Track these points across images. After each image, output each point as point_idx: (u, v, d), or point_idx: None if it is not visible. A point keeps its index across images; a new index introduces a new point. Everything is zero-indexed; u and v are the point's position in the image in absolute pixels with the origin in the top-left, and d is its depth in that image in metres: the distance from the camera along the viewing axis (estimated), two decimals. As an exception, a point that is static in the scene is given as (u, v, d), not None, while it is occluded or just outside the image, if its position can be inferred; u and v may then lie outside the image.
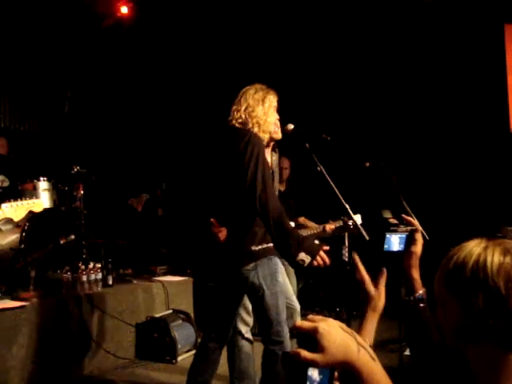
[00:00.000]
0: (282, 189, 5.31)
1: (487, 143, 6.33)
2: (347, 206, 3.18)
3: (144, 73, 7.87)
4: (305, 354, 1.04)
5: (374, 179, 4.87)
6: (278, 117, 3.30)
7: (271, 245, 3.06)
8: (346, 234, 4.45)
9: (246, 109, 3.14)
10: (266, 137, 3.16)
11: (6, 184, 5.81)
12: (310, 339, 1.05)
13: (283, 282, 3.22)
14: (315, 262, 2.87)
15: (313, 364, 1.04)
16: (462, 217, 6.08)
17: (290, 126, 3.40)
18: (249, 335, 3.64)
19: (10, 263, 4.85)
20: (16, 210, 3.23)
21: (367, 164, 4.55)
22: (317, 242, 2.96)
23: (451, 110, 6.55)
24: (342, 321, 1.48)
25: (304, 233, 5.04)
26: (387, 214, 4.16)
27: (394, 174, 4.28)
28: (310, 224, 5.36)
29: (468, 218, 5.99)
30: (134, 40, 7.64)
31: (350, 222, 3.92)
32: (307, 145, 3.30)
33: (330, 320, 1.09)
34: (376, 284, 1.63)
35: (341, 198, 3.13)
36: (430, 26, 6.49)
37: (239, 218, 3.10)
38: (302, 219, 5.42)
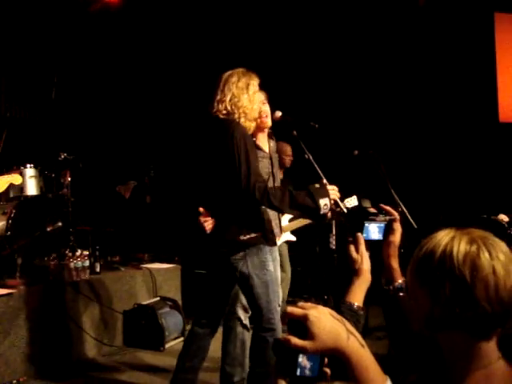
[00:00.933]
0: (281, 176, 5.30)
1: (476, 132, 6.36)
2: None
3: (131, 58, 7.80)
4: (295, 340, 1.05)
5: (362, 167, 4.88)
6: (262, 98, 3.29)
7: (259, 234, 3.07)
8: (334, 221, 4.46)
9: (230, 99, 3.10)
10: (252, 125, 3.15)
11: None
12: (301, 326, 1.06)
13: (274, 271, 3.22)
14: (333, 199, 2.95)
15: (303, 351, 1.05)
16: (449, 204, 6.12)
17: (278, 114, 3.40)
18: (247, 322, 3.65)
19: (-4, 251, 4.81)
20: None
21: (356, 152, 4.55)
22: (317, 185, 2.98)
23: (440, 99, 6.57)
24: (330, 308, 1.49)
25: (297, 224, 5.04)
26: (366, 203, 4.16)
27: (383, 162, 4.29)
28: None
29: (456, 206, 6.03)
30: (122, 25, 7.55)
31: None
32: (295, 132, 3.30)
33: (320, 307, 1.10)
34: (356, 249, 1.63)
35: (325, 182, 3.13)
36: (421, 16, 6.48)
37: (226, 208, 3.10)
38: None
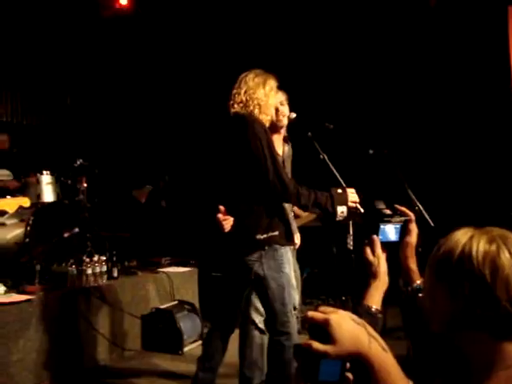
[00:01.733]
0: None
1: (493, 127, 6.29)
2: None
3: (145, 64, 7.83)
4: (317, 345, 1.04)
5: (377, 167, 4.85)
6: (282, 98, 3.29)
7: (277, 233, 3.05)
8: (351, 222, 4.44)
9: (246, 91, 3.12)
10: (267, 119, 3.15)
11: (10, 179, 5.80)
12: (322, 331, 1.05)
13: (289, 273, 3.21)
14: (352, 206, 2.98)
15: (325, 355, 1.04)
16: (467, 204, 6.05)
17: (293, 115, 3.40)
18: (262, 325, 3.64)
19: (15, 257, 4.85)
20: (9, 204, 3.88)
21: (371, 151, 4.52)
22: (339, 190, 3.01)
23: (456, 95, 6.51)
24: (348, 309, 1.48)
25: (299, 222, 5.02)
26: (381, 205, 4.13)
27: (398, 161, 4.26)
28: (303, 213, 5.34)
29: (474, 205, 5.97)
30: (134, 31, 7.60)
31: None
32: (310, 133, 3.29)
33: (341, 311, 1.09)
34: (373, 252, 1.62)
35: (344, 185, 3.12)
36: (433, 12, 6.43)
37: (245, 207, 3.07)
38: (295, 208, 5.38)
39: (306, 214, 5.25)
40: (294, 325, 3.16)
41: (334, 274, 6.45)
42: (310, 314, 1.08)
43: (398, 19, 6.64)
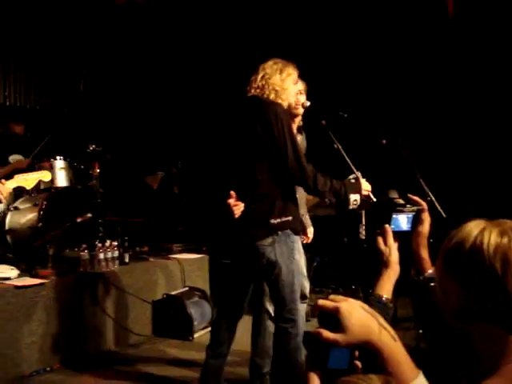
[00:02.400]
0: None
1: (508, 119, 6.22)
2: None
3: (159, 50, 7.82)
4: (327, 333, 1.04)
5: (390, 156, 4.83)
6: (300, 88, 3.28)
7: (290, 218, 3.05)
8: (363, 211, 4.43)
9: (262, 77, 3.14)
10: (284, 104, 3.14)
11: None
12: (332, 319, 1.06)
13: (300, 261, 3.21)
14: (364, 195, 2.99)
15: (334, 344, 1.04)
16: (480, 194, 6.02)
17: (307, 103, 3.38)
18: None
19: (29, 241, 4.90)
20: (27, 179, 3.59)
21: (384, 141, 4.50)
22: (352, 179, 3.02)
23: (470, 86, 6.44)
24: (358, 299, 1.48)
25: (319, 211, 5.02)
26: (393, 194, 4.12)
27: (411, 151, 4.23)
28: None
29: (486, 196, 5.93)
30: (148, 17, 7.58)
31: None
32: (324, 122, 3.28)
33: (352, 300, 1.09)
34: (384, 241, 1.62)
35: (358, 175, 3.11)
36: (448, 12, 6.35)
37: (259, 190, 3.06)
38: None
39: (310, 197, 5.26)
40: (301, 312, 3.16)
41: (345, 263, 6.45)
42: (321, 302, 1.08)
43: (414, 11, 6.57)
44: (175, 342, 4.85)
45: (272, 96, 3.10)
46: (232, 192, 2.99)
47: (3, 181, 3.42)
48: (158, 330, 5.03)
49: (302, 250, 3.51)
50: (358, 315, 1.07)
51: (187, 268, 5.53)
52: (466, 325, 1.18)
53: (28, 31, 7.17)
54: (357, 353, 1.09)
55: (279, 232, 3.04)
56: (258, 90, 3.13)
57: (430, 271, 1.63)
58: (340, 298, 1.09)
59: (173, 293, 5.11)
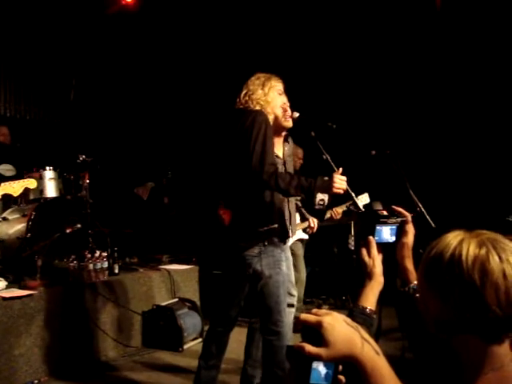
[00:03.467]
0: None
1: (497, 130, 6.27)
2: (353, 194, 3.17)
3: (149, 60, 7.84)
4: (309, 348, 1.04)
5: (379, 167, 4.85)
6: (284, 101, 3.30)
7: (276, 225, 3.05)
8: (352, 222, 4.45)
9: (246, 93, 3.21)
10: (270, 118, 3.15)
11: (13, 173, 5.83)
12: (315, 333, 1.05)
13: (287, 272, 3.20)
14: (336, 191, 2.93)
15: (317, 358, 1.04)
16: (469, 205, 6.05)
17: (296, 114, 3.39)
18: None
19: (17, 252, 4.87)
20: (13, 187, 3.70)
21: (373, 152, 4.52)
22: (325, 177, 2.99)
23: (458, 98, 6.49)
24: (349, 309, 1.48)
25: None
26: (378, 206, 4.14)
27: (400, 162, 4.25)
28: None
29: (475, 207, 5.96)
30: (139, 27, 7.60)
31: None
32: (313, 133, 3.29)
33: (335, 314, 1.09)
34: (368, 253, 1.62)
35: (347, 186, 3.11)
36: (438, 13, 6.41)
37: (244, 198, 3.08)
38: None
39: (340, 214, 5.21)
40: (287, 324, 3.14)
41: (335, 274, 6.46)
42: (303, 316, 1.08)
43: (401, 22, 6.63)
44: (165, 353, 4.82)
45: (258, 108, 3.15)
46: (222, 202, 3.01)
47: None
48: (148, 341, 5.00)
49: (290, 258, 3.51)
50: (340, 329, 1.06)
51: (177, 279, 5.51)
52: (446, 335, 1.19)
53: (18, 41, 7.17)
54: (340, 367, 1.09)
55: (266, 242, 3.04)
56: (240, 105, 3.20)
57: (415, 282, 1.64)
58: (323, 311, 1.09)
59: (163, 304, 5.08)
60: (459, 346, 1.19)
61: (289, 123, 3.40)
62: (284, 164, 3.53)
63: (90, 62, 7.57)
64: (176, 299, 5.27)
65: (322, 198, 2.93)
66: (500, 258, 1.13)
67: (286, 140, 3.62)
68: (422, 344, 1.57)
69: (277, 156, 3.51)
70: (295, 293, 3.72)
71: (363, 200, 4.83)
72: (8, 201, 5.09)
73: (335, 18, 6.93)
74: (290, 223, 3.50)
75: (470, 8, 6.26)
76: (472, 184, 6.25)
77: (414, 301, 1.62)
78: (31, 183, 3.84)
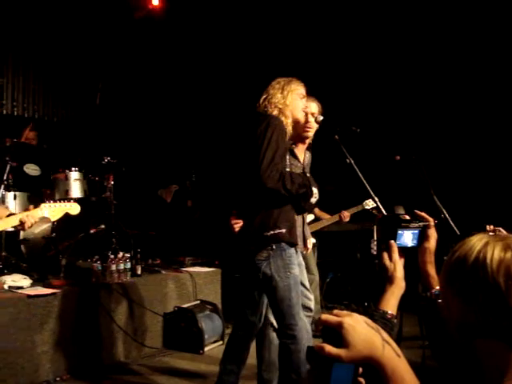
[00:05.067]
0: None
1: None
2: (377, 198, 3.16)
3: (175, 64, 7.90)
4: (329, 349, 1.03)
5: (404, 173, 4.81)
6: (314, 110, 3.30)
7: (283, 230, 3.05)
8: (375, 227, 4.41)
9: (265, 98, 3.23)
10: (287, 121, 3.16)
11: (38, 173, 5.91)
12: (335, 334, 1.04)
13: (298, 275, 3.19)
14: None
15: (337, 359, 1.03)
16: (494, 212, 5.96)
17: (320, 118, 3.39)
18: None
19: (42, 251, 4.94)
20: (54, 210, 3.38)
21: (397, 157, 4.49)
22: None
23: (488, 104, 6.41)
24: (370, 315, 1.47)
25: (320, 224, 5.06)
26: (400, 210, 4.12)
27: (425, 167, 4.22)
28: (325, 214, 5.35)
29: (501, 213, 5.87)
30: (166, 32, 7.67)
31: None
32: (337, 137, 3.28)
33: (356, 315, 1.07)
34: (390, 257, 1.61)
35: (370, 190, 3.10)
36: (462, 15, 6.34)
37: (255, 203, 3.10)
38: (316, 210, 5.39)
39: (328, 216, 5.27)
40: (303, 328, 3.12)
41: (358, 279, 6.41)
42: (324, 316, 1.07)
43: (430, 28, 6.57)
44: (186, 355, 4.83)
45: (275, 113, 3.16)
46: (234, 211, 3.04)
47: (31, 207, 3.31)
48: (169, 342, 5.02)
49: (302, 263, 3.51)
50: (361, 330, 1.05)
51: (199, 281, 5.53)
52: (469, 340, 1.17)
53: (47, 45, 7.30)
54: (360, 369, 1.08)
55: (274, 246, 3.05)
56: (260, 109, 3.22)
57: (438, 287, 1.62)
58: (344, 313, 1.08)
59: (184, 306, 5.10)
60: (481, 351, 1.17)
61: (308, 134, 3.42)
62: (303, 170, 3.54)
63: (117, 66, 7.66)
64: (197, 301, 5.29)
65: (316, 191, 2.98)
66: None
67: (308, 148, 3.63)
68: (445, 350, 1.55)
69: (298, 160, 3.52)
70: (312, 296, 3.70)
71: (370, 205, 4.83)
72: (34, 201, 5.16)
73: (362, 22, 6.90)
74: (303, 230, 3.51)
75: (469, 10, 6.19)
76: (497, 191, 6.16)
77: (436, 306, 1.60)
78: (73, 209, 3.50)
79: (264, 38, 7.29)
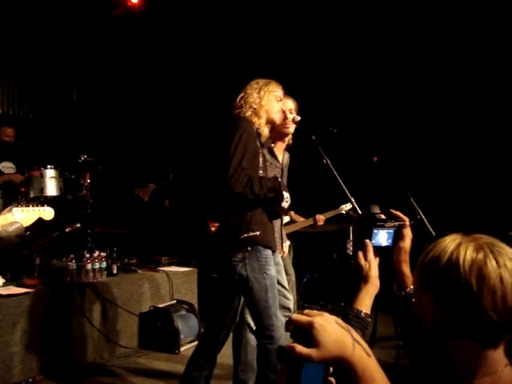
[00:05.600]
0: None
1: (498, 136, 6.25)
2: (353, 199, 3.17)
3: (153, 62, 7.85)
4: (300, 348, 1.03)
5: (381, 174, 4.84)
6: (291, 107, 3.30)
7: (258, 233, 3.05)
8: (351, 227, 4.43)
9: (242, 97, 3.22)
10: (262, 122, 3.17)
11: (13, 171, 5.83)
12: (306, 334, 1.04)
13: (274, 276, 3.19)
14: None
15: (307, 359, 1.02)
16: (469, 212, 6.03)
17: (297, 118, 3.39)
18: None
19: (16, 250, 4.87)
20: (27, 214, 3.28)
21: (375, 158, 4.52)
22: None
23: (463, 104, 6.48)
24: (344, 314, 1.46)
25: (294, 227, 5.06)
26: (376, 209, 4.14)
27: (402, 169, 4.25)
28: (300, 218, 5.35)
29: (476, 214, 5.94)
30: (144, 29, 7.62)
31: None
32: (313, 137, 3.29)
33: (326, 315, 1.07)
34: (364, 256, 1.61)
35: (346, 191, 3.11)
36: (440, 16, 6.40)
37: (229, 206, 3.10)
38: (292, 213, 5.40)
39: (303, 219, 5.28)
40: (280, 328, 3.12)
41: (334, 280, 6.44)
42: (295, 316, 1.07)
43: (405, 27, 6.62)
44: (161, 355, 4.80)
45: (248, 113, 3.16)
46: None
47: (3, 212, 3.24)
48: (145, 342, 4.99)
49: (281, 263, 3.51)
50: (332, 330, 1.05)
51: (175, 281, 5.50)
52: (442, 339, 1.18)
53: (22, 40, 7.20)
54: (331, 369, 1.08)
55: (249, 248, 3.05)
56: (237, 110, 3.21)
57: (412, 287, 1.63)
58: (315, 312, 1.08)
59: (160, 305, 5.07)
60: (454, 350, 1.18)
61: (289, 130, 3.41)
62: (282, 170, 3.55)
63: (94, 64, 7.59)
64: (174, 301, 5.26)
65: (287, 195, 3.03)
66: (497, 262, 1.12)
67: (286, 149, 3.63)
68: (419, 349, 1.56)
69: (277, 159, 3.53)
70: (291, 296, 3.71)
71: (346, 209, 4.84)
72: (8, 198, 5.09)
73: (340, 22, 6.93)
74: (280, 237, 3.52)
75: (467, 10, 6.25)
76: (474, 190, 6.23)
77: (410, 305, 1.61)
78: (47, 214, 3.38)
79: (243, 36, 7.27)
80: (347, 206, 4.60)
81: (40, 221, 4.87)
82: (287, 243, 3.99)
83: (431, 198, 5.52)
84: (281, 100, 3.29)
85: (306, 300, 6.46)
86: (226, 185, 2.92)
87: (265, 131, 3.20)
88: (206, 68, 7.59)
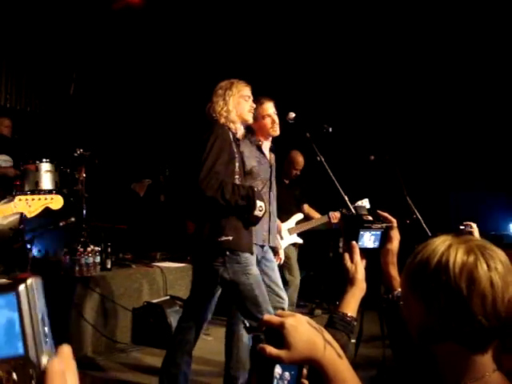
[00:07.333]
0: (287, 181, 5.30)
1: (494, 133, 6.23)
2: (346, 197, 3.15)
3: (151, 57, 7.83)
4: (270, 349, 1.01)
5: (378, 173, 4.83)
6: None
7: (230, 238, 3.09)
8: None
9: (210, 106, 3.28)
10: (236, 126, 3.23)
11: (10, 164, 5.81)
12: (277, 335, 1.03)
13: (258, 274, 3.19)
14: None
15: (279, 360, 1.01)
16: (467, 213, 6.01)
17: (292, 115, 3.39)
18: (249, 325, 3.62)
19: (9, 243, 4.85)
20: (31, 204, 2.89)
21: (372, 157, 4.51)
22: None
23: (458, 102, 6.46)
24: (330, 318, 1.44)
25: (309, 225, 5.04)
26: (363, 211, 4.13)
27: (399, 168, 4.23)
28: (314, 213, 5.33)
29: (473, 214, 5.92)
30: (143, 24, 7.59)
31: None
32: (308, 134, 3.28)
33: (299, 316, 1.05)
34: (351, 258, 1.58)
35: (340, 188, 3.10)
36: (439, 16, 6.37)
37: (206, 210, 3.13)
38: (306, 207, 5.39)
39: (317, 214, 5.25)
40: None
41: (330, 278, 6.43)
42: (266, 317, 1.05)
43: (403, 26, 6.60)
44: (155, 351, 4.78)
45: (222, 120, 3.20)
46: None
47: (3, 201, 2.95)
48: (138, 337, 4.98)
49: (272, 259, 3.53)
50: (303, 331, 1.03)
51: (170, 276, 5.49)
52: (429, 342, 1.16)
53: (20, 34, 7.17)
54: (305, 371, 1.06)
55: (227, 252, 3.08)
56: (209, 117, 3.26)
57: (399, 289, 1.61)
58: (287, 313, 1.06)
59: (153, 301, 5.06)
60: (441, 354, 1.16)
61: (276, 133, 3.45)
62: (270, 167, 3.56)
63: (92, 57, 7.56)
64: (167, 297, 5.25)
65: (260, 204, 3.03)
66: (488, 265, 1.08)
67: (271, 150, 3.67)
68: (406, 352, 1.54)
69: (265, 156, 3.55)
70: (285, 296, 3.70)
71: (364, 204, 4.82)
72: (2, 191, 5.07)
73: (337, 20, 6.90)
74: (269, 232, 3.51)
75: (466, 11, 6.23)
76: (474, 192, 6.21)
77: (398, 308, 1.59)
78: (56, 202, 2.97)
79: (241, 32, 7.24)
80: (363, 202, 4.58)
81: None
82: (282, 251, 4.00)
83: (428, 197, 5.50)
84: (250, 98, 3.32)
85: (301, 298, 6.45)
86: (198, 188, 2.96)
87: (242, 132, 3.27)
88: (204, 63, 7.56)
